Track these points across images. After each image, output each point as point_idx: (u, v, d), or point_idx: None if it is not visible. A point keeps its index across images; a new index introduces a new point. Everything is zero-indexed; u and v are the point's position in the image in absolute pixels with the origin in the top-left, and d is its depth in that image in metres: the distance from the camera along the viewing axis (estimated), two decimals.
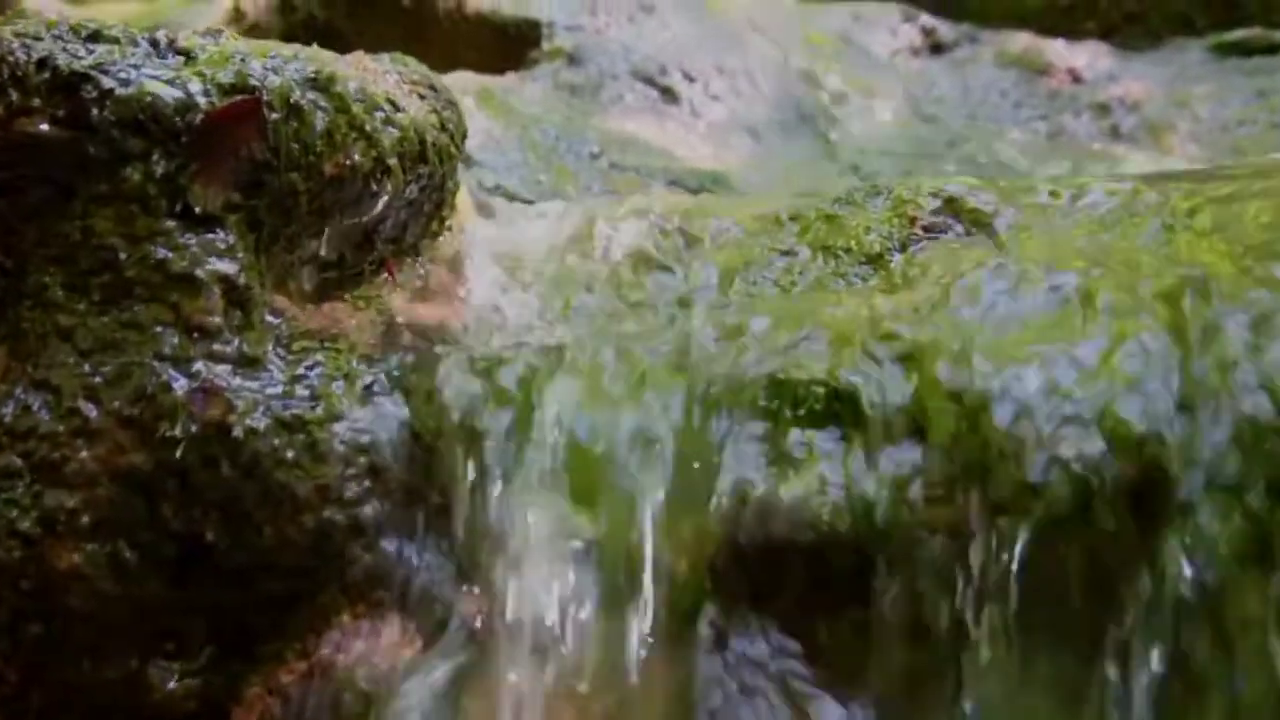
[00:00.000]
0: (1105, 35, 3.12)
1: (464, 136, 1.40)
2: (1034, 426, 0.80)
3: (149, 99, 0.94)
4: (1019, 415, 0.83)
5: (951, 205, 1.29)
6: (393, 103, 1.15)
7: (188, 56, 1.02)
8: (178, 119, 0.95)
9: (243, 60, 1.01)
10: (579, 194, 2.11)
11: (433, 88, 1.37)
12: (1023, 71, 2.91)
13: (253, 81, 0.99)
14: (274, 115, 1.00)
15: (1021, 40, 3.03)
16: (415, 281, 1.30)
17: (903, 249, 1.23)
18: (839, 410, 0.89)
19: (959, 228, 1.27)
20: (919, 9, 3.16)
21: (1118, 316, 0.92)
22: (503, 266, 1.41)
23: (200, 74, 0.98)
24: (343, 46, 2.91)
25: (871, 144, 2.58)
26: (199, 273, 0.94)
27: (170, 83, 0.96)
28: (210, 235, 0.96)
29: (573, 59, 2.64)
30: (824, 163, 2.47)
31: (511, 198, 2.05)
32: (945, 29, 3.08)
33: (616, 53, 2.66)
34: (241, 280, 0.96)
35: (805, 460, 0.87)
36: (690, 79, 2.65)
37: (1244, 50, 2.92)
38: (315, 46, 1.21)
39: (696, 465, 0.89)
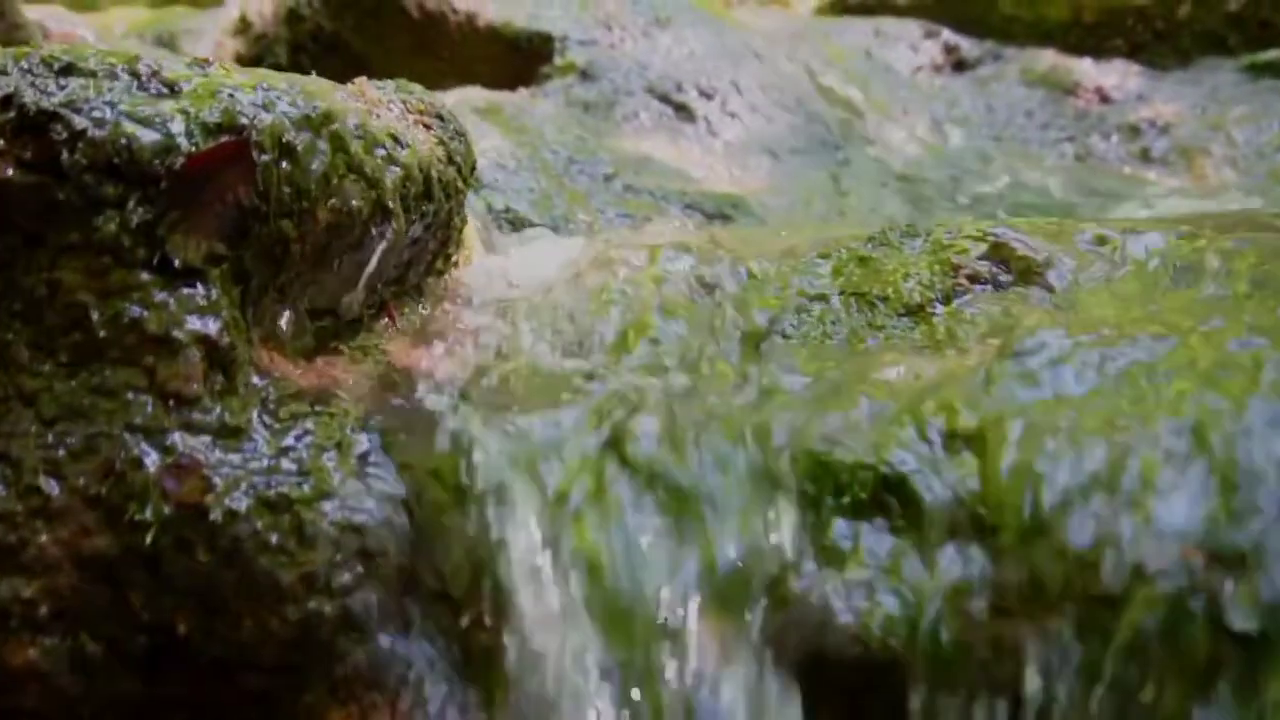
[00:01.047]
0: (1133, 54, 3.02)
1: (472, 168, 1.30)
2: (1114, 529, 0.70)
3: (125, 141, 0.84)
4: (1097, 515, 0.72)
5: (998, 251, 1.18)
6: (395, 138, 1.05)
7: (172, 90, 0.91)
8: (156, 163, 0.85)
9: (231, 96, 0.91)
10: (592, 218, 2.01)
11: (439, 117, 1.27)
12: (1049, 91, 2.80)
13: (241, 120, 0.89)
14: (264, 157, 0.89)
15: (1047, 58, 2.92)
16: (418, 325, 1.20)
17: (946, 300, 1.13)
18: (888, 500, 0.79)
19: (1006, 276, 1.16)
20: (941, 25, 3.05)
21: (1202, 392, 0.81)
22: (512, 308, 1.30)
23: (184, 111, 0.88)
24: (351, 58, 2.83)
25: (894, 166, 2.47)
26: (177, 333, 0.83)
27: (150, 122, 0.86)
28: (190, 290, 0.86)
29: (586, 74, 2.54)
30: (844, 186, 2.37)
31: (522, 222, 1.95)
32: (968, 45, 2.98)
33: (631, 68, 2.56)
34: (224, 340, 0.86)
35: (851, 558, 0.77)
36: (707, 96, 2.55)
37: (1279, 71, 2.81)
38: (314, 75, 1.11)
39: (731, 562, 0.78)
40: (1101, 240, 1.19)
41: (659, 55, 2.63)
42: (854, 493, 0.80)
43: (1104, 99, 2.82)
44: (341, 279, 1.05)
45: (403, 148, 1.05)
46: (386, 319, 1.17)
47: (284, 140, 0.91)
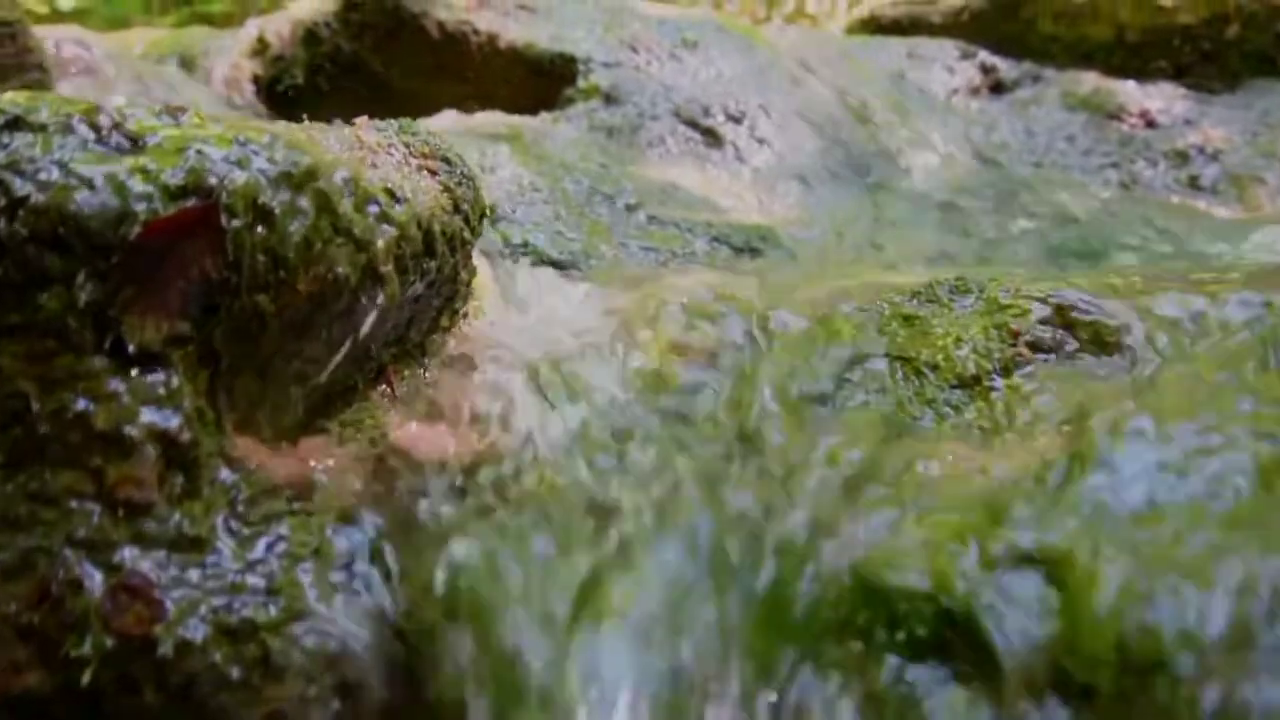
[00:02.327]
0: (1179, 75, 2.85)
1: (481, 215, 1.18)
2: (1245, 697, 0.57)
3: (73, 208, 0.72)
4: (1210, 671, 0.59)
5: (1063, 315, 1.04)
6: (391, 193, 0.93)
7: (135, 145, 0.79)
8: (109, 233, 0.73)
9: (199, 152, 0.78)
10: (614, 251, 1.89)
11: (446, 160, 1.14)
12: (1091, 115, 2.65)
13: (209, 180, 0.77)
14: (235, 222, 0.77)
15: (1089, 80, 2.76)
16: (419, 392, 1.08)
17: (1005, 372, 0.99)
18: (951, 640, 0.66)
19: (1073, 344, 1.02)
20: (977, 45, 2.90)
21: None
22: (524, 367, 1.18)
23: (144, 171, 0.76)
24: (370, 80, 2.71)
25: (930, 194, 2.33)
26: (130, 430, 0.71)
27: (103, 185, 0.74)
28: (147, 378, 0.74)
29: (610, 98, 2.42)
30: (879, 215, 2.23)
31: (540, 258, 1.83)
32: (1006, 67, 2.82)
33: (656, 91, 2.43)
34: (185, 436, 0.73)
35: (908, 712, 0.63)
36: (735, 120, 2.42)
37: None
38: (305, 121, 0.99)
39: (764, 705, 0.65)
40: (1182, 302, 1.04)
41: (686, 78, 2.50)
42: (910, 628, 0.67)
43: (1149, 123, 2.66)
44: (330, 345, 0.92)
45: (399, 203, 0.93)
46: (385, 386, 1.05)
47: (259, 202, 0.79)
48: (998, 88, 2.81)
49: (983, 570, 0.69)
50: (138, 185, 0.74)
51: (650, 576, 0.79)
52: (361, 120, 1.12)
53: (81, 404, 0.71)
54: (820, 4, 6.73)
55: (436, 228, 1.01)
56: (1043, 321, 1.03)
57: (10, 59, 2.34)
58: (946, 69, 2.79)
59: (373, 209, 0.89)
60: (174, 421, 0.73)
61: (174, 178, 0.76)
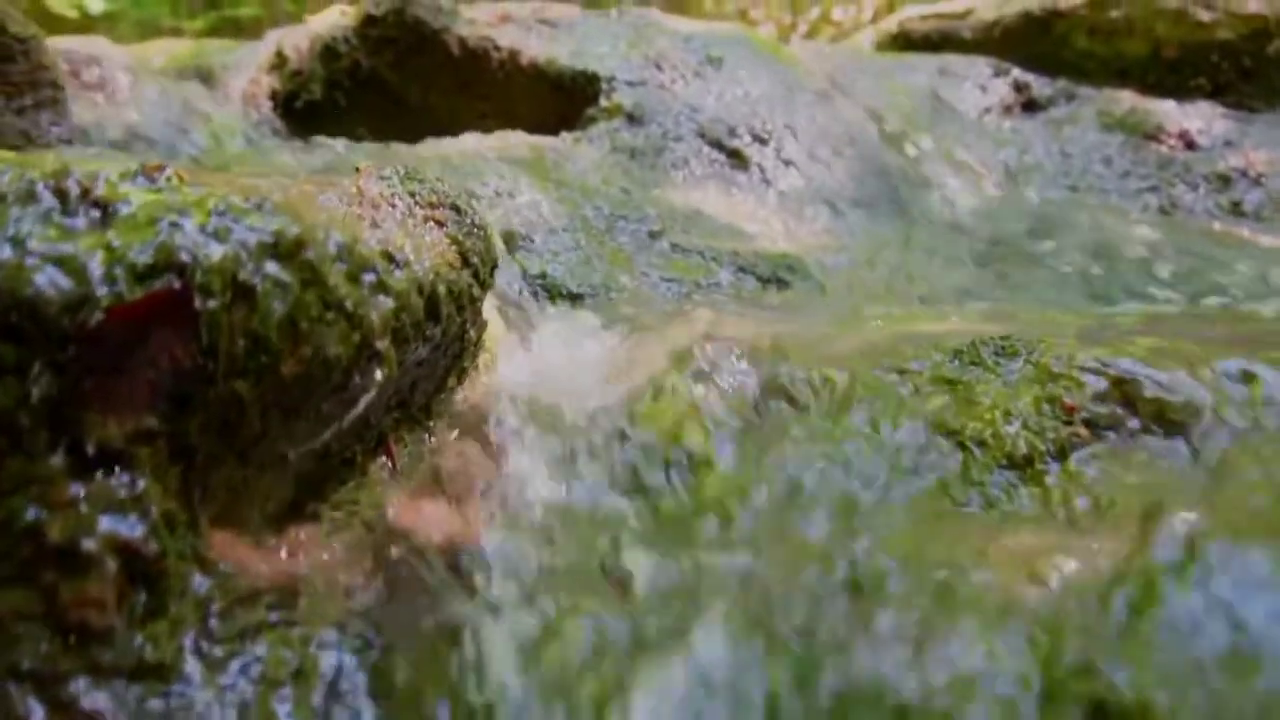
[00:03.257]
0: (1217, 93, 2.72)
1: (493, 267, 1.09)
2: None
3: (28, 292, 0.64)
4: None
5: (1122, 389, 0.94)
6: (390, 256, 0.84)
7: (105, 214, 0.71)
8: (67, 320, 0.64)
9: (173, 225, 0.69)
10: (635, 282, 1.79)
11: (455, 208, 1.05)
12: (1129, 135, 2.53)
13: (181, 257, 0.68)
14: (211, 303, 0.68)
15: (1125, 99, 2.64)
16: (423, 461, 0.99)
17: (1061, 454, 0.89)
18: None
19: (1134, 422, 0.92)
20: (1010, 62, 2.78)
21: None
22: (539, 425, 1.08)
23: (108, 248, 0.67)
24: (388, 95, 2.62)
25: (963, 220, 2.22)
26: (88, 543, 0.63)
27: (63, 264, 0.65)
28: (110, 481, 0.65)
29: (633, 118, 2.32)
30: (910, 242, 2.12)
31: (557, 290, 1.74)
32: (1039, 84, 2.70)
33: (680, 111, 2.33)
34: (150, 548, 0.65)
35: None
36: (761, 141, 2.31)
37: None
38: (301, 179, 0.90)
39: None
40: (1246, 374, 0.94)
41: (711, 97, 2.40)
42: None
43: (1189, 144, 2.54)
44: (322, 426, 0.83)
45: (399, 268, 0.84)
46: (385, 457, 0.96)
47: (238, 279, 0.70)
48: (1031, 106, 2.69)
49: (1047, 712, 0.59)
50: (100, 266, 0.65)
51: (670, 693, 0.70)
52: (365, 168, 1.03)
53: (33, 513, 0.62)
54: (846, 11, 6.59)
55: (442, 289, 0.92)
56: (1100, 396, 0.93)
57: (24, 76, 2.27)
58: (978, 87, 2.67)
59: (368, 277, 0.80)
60: (138, 531, 0.64)
61: (142, 255, 0.67)
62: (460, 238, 1.01)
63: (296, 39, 2.61)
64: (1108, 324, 1.37)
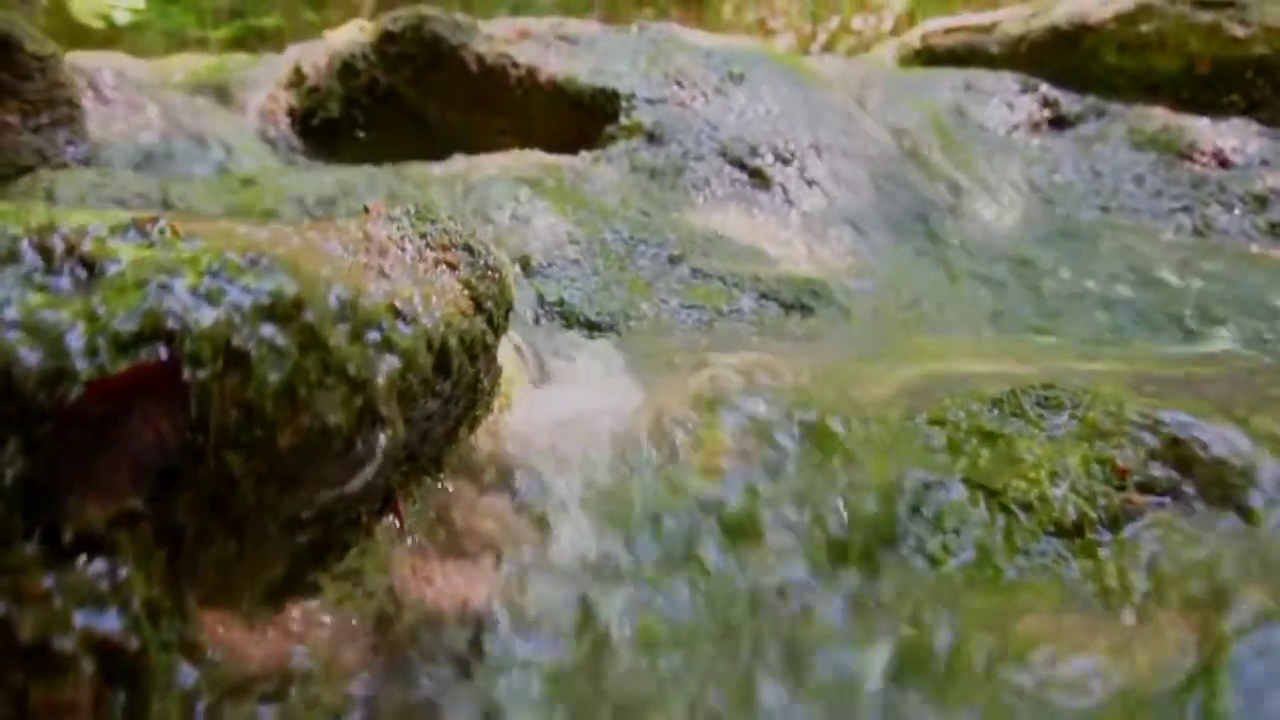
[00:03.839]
0: (1251, 110, 2.64)
1: (508, 309, 1.03)
2: None
3: (1, 364, 0.58)
4: None
5: (1177, 451, 0.87)
6: (396, 311, 0.78)
7: (91, 273, 0.65)
8: (44, 396, 0.59)
9: (163, 287, 0.64)
10: (654, 309, 1.73)
11: (468, 249, 0.99)
12: (1161, 153, 2.45)
13: (169, 324, 0.62)
14: (201, 373, 0.63)
15: (1157, 116, 2.56)
16: (433, 517, 0.93)
17: (1114, 524, 0.82)
18: None
19: (1190, 487, 0.85)
20: (1037, 77, 2.71)
21: None
22: (557, 476, 1.03)
23: (90, 316, 0.61)
24: (406, 112, 2.57)
25: (991, 242, 2.15)
26: (61, 641, 0.57)
27: (40, 333, 0.60)
28: (88, 571, 0.59)
29: (652, 136, 2.26)
30: (937, 266, 2.05)
31: (574, 318, 1.68)
32: (1068, 100, 2.63)
33: (701, 129, 2.27)
34: (131, 644, 0.59)
35: None
36: (784, 160, 2.25)
37: None
38: (304, 225, 0.85)
39: None
40: None
41: (733, 114, 2.34)
42: None
43: (1222, 163, 2.46)
44: (324, 487, 0.78)
45: (407, 324, 0.78)
46: (392, 516, 0.90)
47: (231, 345, 0.64)
48: (1059, 123, 2.61)
49: None
50: (80, 337, 0.60)
51: None
52: (373, 207, 0.98)
53: (2, 607, 0.57)
54: (865, 21, 6.52)
55: (453, 341, 0.86)
56: (1153, 455, 0.86)
57: (40, 94, 2.24)
58: (1006, 103, 2.60)
59: (372, 335, 0.74)
60: (117, 625, 0.59)
61: (126, 324, 0.61)
62: (473, 281, 0.96)
63: (314, 55, 2.57)
64: (1152, 363, 1.30)
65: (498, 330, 0.99)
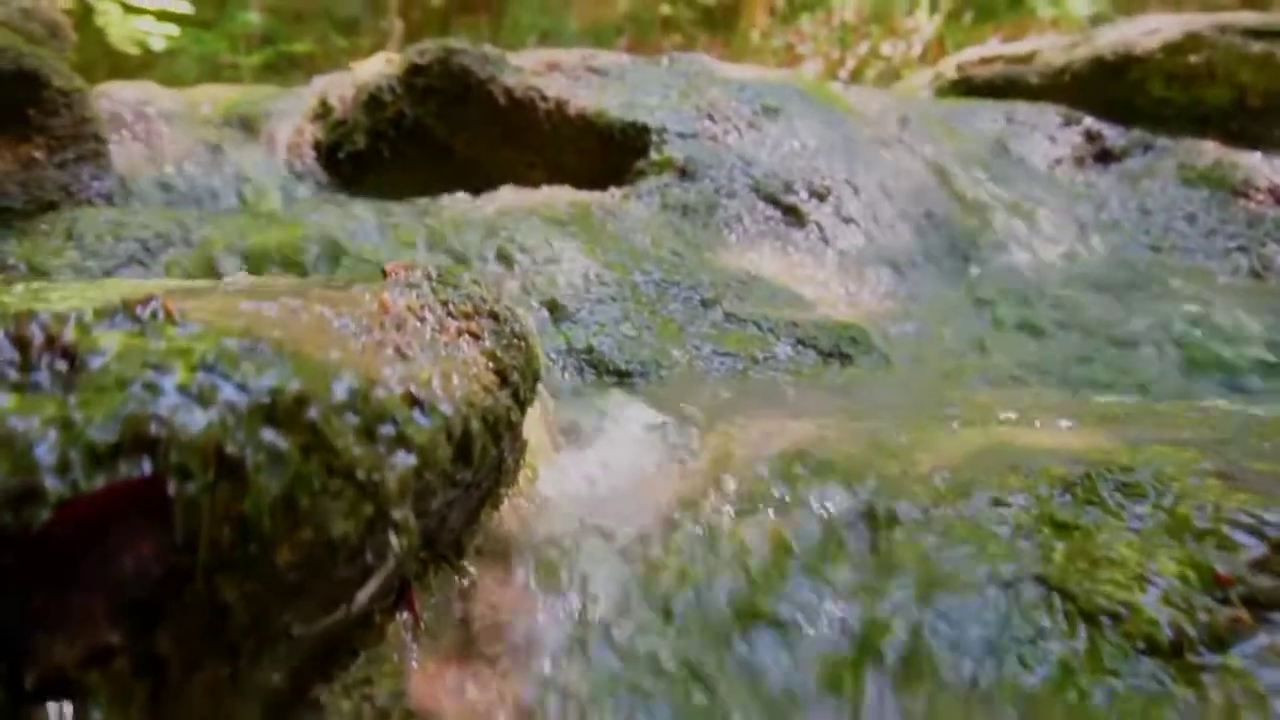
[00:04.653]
0: None
1: (535, 379, 0.94)
2: None
3: None
4: None
5: None
6: (413, 400, 0.70)
7: (72, 367, 0.58)
8: (8, 517, 0.51)
9: (149, 386, 0.56)
10: (687, 357, 1.64)
11: (494, 316, 0.91)
12: (1213, 190, 2.33)
13: (153, 431, 0.54)
14: (189, 487, 0.55)
15: (1209, 151, 2.45)
16: (451, 612, 0.84)
17: (1219, 645, 0.72)
18: None
19: None
20: (1080, 110, 2.61)
21: None
22: (585, 560, 0.94)
23: (65, 422, 0.53)
24: (433, 146, 2.50)
25: (1036, 284, 2.04)
26: None
27: (5, 444, 0.52)
28: (55, 715, 0.51)
29: (684, 172, 2.18)
30: (981, 310, 1.95)
31: (604, 367, 1.60)
32: (1113, 134, 2.52)
33: (734, 165, 2.19)
34: None
35: None
36: (819, 197, 2.16)
37: None
38: (315, 293, 0.77)
39: None
40: None
41: (766, 149, 2.25)
42: None
43: (1279, 200, 2.34)
44: (328, 600, 0.69)
45: (424, 414, 0.70)
46: (406, 612, 0.81)
47: (224, 453, 0.56)
48: (1104, 157, 2.51)
49: None
50: (51, 451, 0.52)
51: None
52: (391, 270, 0.90)
53: None
54: (894, 47, 6.42)
55: (475, 425, 0.77)
56: (1257, 564, 0.76)
57: (67, 130, 2.19)
58: (1049, 137, 2.50)
59: (386, 430, 0.66)
60: None
61: (104, 433, 0.53)
62: (498, 353, 0.87)
63: (341, 88, 2.51)
64: (1226, 428, 1.19)
65: (524, 405, 0.90)
